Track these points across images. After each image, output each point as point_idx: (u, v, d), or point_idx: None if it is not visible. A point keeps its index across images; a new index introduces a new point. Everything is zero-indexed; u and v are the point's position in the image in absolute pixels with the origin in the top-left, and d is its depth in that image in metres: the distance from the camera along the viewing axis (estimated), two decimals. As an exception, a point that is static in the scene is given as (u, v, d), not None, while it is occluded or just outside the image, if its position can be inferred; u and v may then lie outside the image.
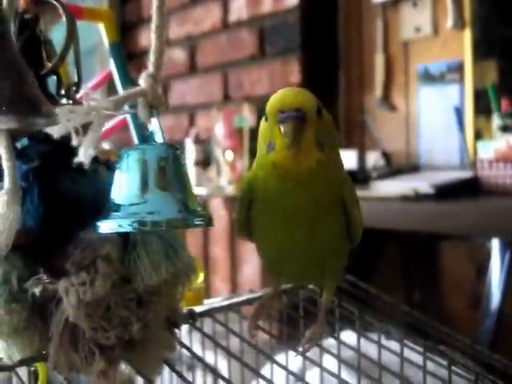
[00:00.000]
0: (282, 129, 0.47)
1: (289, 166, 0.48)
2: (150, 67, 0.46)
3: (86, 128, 0.41)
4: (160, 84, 0.46)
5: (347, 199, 0.52)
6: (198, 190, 1.80)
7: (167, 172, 0.43)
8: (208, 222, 0.44)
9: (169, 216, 0.42)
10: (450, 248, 1.61)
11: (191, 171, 1.86)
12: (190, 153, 1.87)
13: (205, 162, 1.88)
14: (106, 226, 0.42)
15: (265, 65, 1.88)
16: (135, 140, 0.74)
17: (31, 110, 0.35)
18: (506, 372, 0.61)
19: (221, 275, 1.90)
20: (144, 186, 0.42)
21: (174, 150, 0.44)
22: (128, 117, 0.70)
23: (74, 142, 0.40)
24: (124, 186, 0.43)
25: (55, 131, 0.40)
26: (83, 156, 0.41)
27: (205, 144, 1.90)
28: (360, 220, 0.53)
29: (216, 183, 1.81)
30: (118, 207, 0.42)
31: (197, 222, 0.43)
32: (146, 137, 0.46)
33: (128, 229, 0.41)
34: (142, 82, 0.45)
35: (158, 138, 0.45)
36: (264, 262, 0.57)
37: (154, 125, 0.45)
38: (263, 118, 0.51)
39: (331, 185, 0.51)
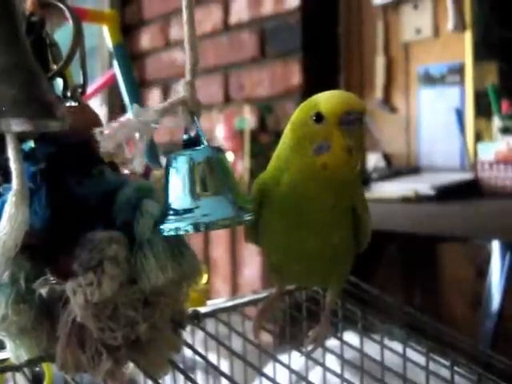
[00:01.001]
0: (346, 131, 0.47)
1: (341, 169, 0.48)
2: (187, 75, 0.47)
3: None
4: (196, 90, 0.47)
5: (359, 205, 0.52)
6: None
7: (215, 174, 0.45)
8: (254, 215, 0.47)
9: (221, 216, 0.44)
10: (450, 249, 1.61)
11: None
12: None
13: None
14: (164, 229, 0.44)
15: (265, 66, 1.88)
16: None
17: (45, 113, 0.36)
18: (508, 373, 0.62)
19: (221, 276, 1.90)
20: (195, 189, 0.44)
21: (218, 152, 0.46)
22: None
23: (127, 155, 0.43)
24: (176, 190, 0.45)
25: (108, 146, 0.42)
26: (137, 166, 0.43)
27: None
28: (369, 226, 0.54)
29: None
30: (173, 211, 0.44)
31: (247, 218, 0.45)
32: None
33: (185, 231, 0.43)
34: (182, 89, 0.47)
35: (203, 142, 0.47)
36: (271, 264, 0.57)
37: (197, 130, 0.47)
38: (303, 120, 0.50)
39: (351, 190, 0.51)
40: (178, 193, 0.45)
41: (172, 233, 0.44)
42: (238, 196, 0.46)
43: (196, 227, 0.43)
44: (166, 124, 0.45)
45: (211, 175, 0.45)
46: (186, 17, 0.47)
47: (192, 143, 0.47)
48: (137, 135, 0.43)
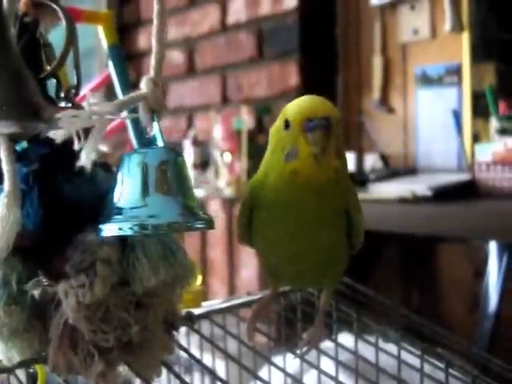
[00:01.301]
0: (309, 137, 0.47)
1: (311, 175, 0.48)
2: (151, 71, 0.46)
3: (86, 131, 0.41)
4: (160, 88, 0.46)
5: (351, 206, 0.52)
6: (196, 192, 1.80)
7: (168, 175, 0.43)
8: (209, 224, 0.44)
9: (170, 219, 0.42)
10: (447, 250, 1.61)
11: (189, 173, 1.86)
12: (188, 155, 1.87)
13: (203, 163, 1.89)
14: (107, 230, 0.42)
15: (263, 67, 1.88)
16: (134, 143, 0.75)
17: (32, 115, 0.35)
18: (503, 375, 0.62)
19: (219, 278, 1.90)
20: (145, 189, 0.42)
21: (175, 154, 0.44)
22: (127, 120, 0.71)
23: (76, 147, 0.40)
24: (125, 189, 0.43)
25: (58, 135, 0.40)
26: (85, 160, 0.41)
27: (203, 146, 1.90)
28: (362, 227, 0.54)
29: (214, 185, 1.82)
30: (119, 210, 0.42)
31: (198, 225, 0.43)
32: (145, 140, 0.46)
33: (129, 232, 0.41)
34: (143, 85, 0.45)
35: (159, 142, 0.45)
36: (264, 266, 0.57)
37: (155, 128, 0.45)
38: (279, 126, 0.50)
39: (341, 192, 0.51)
40: (128, 191, 0.43)
41: (113, 233, 0.42)
42: (191, 201, 0.44)
43: (142, 228, 0.41)
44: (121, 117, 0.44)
45: (164, 176, 0.43)
46: (156, 10, 0.46)
47: (149, 142, 0.45)
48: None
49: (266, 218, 0.52)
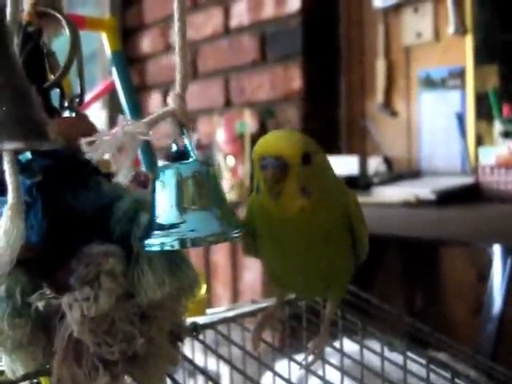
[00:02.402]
0: (264, 175, 0.47)
1: (272, 211, 0.48)
2: (177, 87, 0.46)
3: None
4: (186, 102, 0.46)
5: (354, 218, 0.52)
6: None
7: (203, 188, 0.44)
8: (242, 230, 0.45)
9: (208, 232, 0.43)
10: (451, 254, 1.61)
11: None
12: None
13: (206, 167, 1.88)
14: (150, 244, 0.43)
15: (266, 70, 1.88)
16: (143, 162, 0.75)
17: (36, 134, 0.35)
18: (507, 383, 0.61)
19: (222, 282, 1.90)
20: (181, 203, 0.43)
21: (207, 166, 0.45)
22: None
23: (114, 167, 0.42)
24: (163, 204, 0.44)
25: (94, 157, 0.41)
26: (123, 179, 0.42)
27: (206, 149, 1.90)
28: (365, 237, 0.53)
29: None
30: (159, 226, 0.43)
31: (234, 235, 0.44)
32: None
33: (171, 246, 0.42)
34: (171, 101, 0.46)
35: (192, 155, 0.46)
36: (269, 275, 0.57)
37: (186, 142, 0.46)
38: None
39: (329, 218, 0.50)
40: (165, 207, 0.43)
41: (156, 248, 0.42)
42: (226, 211, 0.45)
43: (182, 243, 0.42)
44: (156, 137, 0.44)
45: (199, 190, 0.44)
46: (178, 26, 0.46)
47: (181, 156, 0.46)
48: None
49: (261, 236, 0.52)
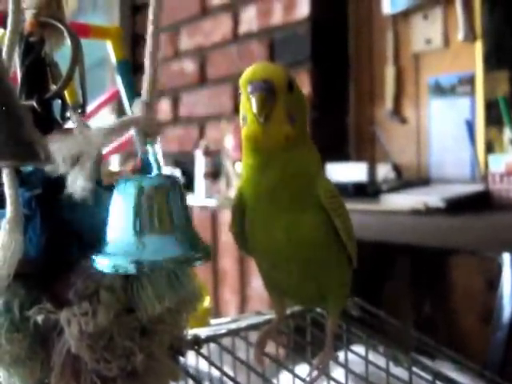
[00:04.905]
0: (252, 100, 0.47)
1: (258, 139, 0.48)
2: (144, 94, 0.44)
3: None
4: (154, 111, 0.44)
5: (327, 206, 0.50)
6: (208, 202, 1.80)
7: (164, 206, 0.41)
8: (207, 255, 0.43)
9: (167, 255, 0.40)
10: (460, 262, 1.60)
11: (201, 183, 1.86)
12: (200, 164, 1.87)
13: (214, 173, 1.88)
14: (101, 264, 0.40)
15: (275, 77, 1.87)
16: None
17: (28, 156, 0.34)
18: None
19: (230, 288, 1.89)
20: (140, 222, 0.40)
21: (171, 181, 0.43)
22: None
23: (63, 173, 0.38)
24: (120, 220, 0.41)
25: (51, 169, 0.38)
26: (71, 188, 0.39)
27: (214, 156, 1.89)
28: (346, 230, 0.51)
29: (225, 195, 1.81)
30: (113, 241, 0.41)
31: (196, 259, 0.42)
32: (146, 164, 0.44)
33: (125, 270, 0.40)
34: (136, 109, 0.43)
35: (155, 169, 0.43)
36: (263, 279, 0.56)
37: (150, 154, 0.43)
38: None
39: (303, 169, 0.50)
40: (122, 224, 0.41)
41: (108, 270, 0.40)
42: (188, 232, 0.42)
43: (138, 267, 0.39)
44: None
45: (159, 207, 0.41)
46: (150, 30, 0.44)
47: (144, 168, 0.44)
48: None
49: (250, 214, 0.52)
